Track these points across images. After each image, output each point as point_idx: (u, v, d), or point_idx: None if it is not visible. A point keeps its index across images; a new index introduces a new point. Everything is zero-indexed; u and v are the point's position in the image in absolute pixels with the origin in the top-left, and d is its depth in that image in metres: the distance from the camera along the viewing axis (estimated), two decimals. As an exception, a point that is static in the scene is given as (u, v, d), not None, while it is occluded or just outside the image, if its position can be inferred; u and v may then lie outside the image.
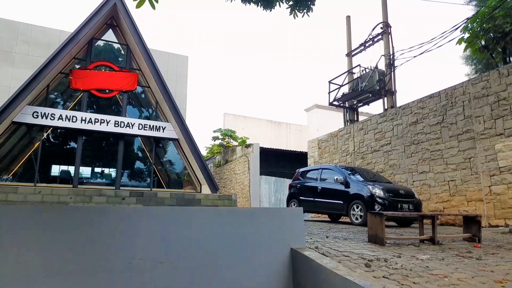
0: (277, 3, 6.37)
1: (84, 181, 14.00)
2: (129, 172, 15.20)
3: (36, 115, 12.55)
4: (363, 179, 8.53)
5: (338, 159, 13.20)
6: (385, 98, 13.49)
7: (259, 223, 3.42)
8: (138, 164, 15.84)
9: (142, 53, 13.67)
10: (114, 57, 15.15)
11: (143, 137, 14.89)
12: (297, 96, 75.75)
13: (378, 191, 7.73)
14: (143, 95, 15.71)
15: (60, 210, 3.23)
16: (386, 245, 4.20)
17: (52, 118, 12.77)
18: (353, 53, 15.51)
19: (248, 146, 16.76)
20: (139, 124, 14.44)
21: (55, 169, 14.40)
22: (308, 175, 9.91)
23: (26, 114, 12.34)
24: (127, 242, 3.21)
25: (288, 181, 17.27)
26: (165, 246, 3.39)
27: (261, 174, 16.58)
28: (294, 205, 9.78)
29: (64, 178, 13.77)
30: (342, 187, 8.43)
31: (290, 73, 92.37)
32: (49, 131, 13.43)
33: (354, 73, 15.18)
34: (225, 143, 18.55)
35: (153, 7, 2.89)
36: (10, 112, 11.61)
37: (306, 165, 15.00)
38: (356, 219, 7.90)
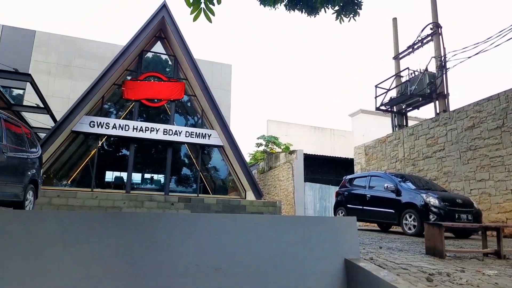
0: (322, 9, 6.30)
1: (135, 186, 14.66)
2: (176, 178, 15.71)
3: (92, 125, 13.40)
4: (415, 187, 8.12)
5: (386, 165, 12.72)
6: (437, 102, 12.82)
7: (312, 232, 3.36)
8: (185, 171, 16.33)
9: (188, 63, 14.14)
10: (162, 67, 15.84)
11: (189, 144, 15.35)
12: (341, 102, 74.32)
13: (432, 200, 7.32)
14: (189, 104, 16.22)
15: (119, 216, 3.38)
16: (446, 258, 3.95)
17: (107, 127, 13.57)
18: (400, 56, 14.95)
19: (292, 152, 16.66)
20: (186, 131, 14.91)
21: (109, 175, 15.25)
22: (356, 182, 9.63)
23: (84, 124, 13.22)
24: (183, 248, 3.29)
25: (333, 188, 16.92)
26: (219, 253, 3.42)
27: (305, 180, 16.39)
28: (341, 213, 9.53)
29: (118, 184, 14.53)
30: (393, 195, 8.09)
31: (333, 78, 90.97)
32: (104, 139, 14.28)
33: (402, 76, 14.61)
34: (268, 150, 18.59)
35: (209, 20, 2.96)
36: (69, 122, 12.49)
37: (352, 172, 14.61)
38: (409, 229, 7.53)
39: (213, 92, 14.80)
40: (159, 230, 3.12)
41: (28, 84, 12.54)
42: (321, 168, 18.83)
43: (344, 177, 10.41)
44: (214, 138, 15.35)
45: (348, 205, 9.34)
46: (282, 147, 18.07)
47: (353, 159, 15.64)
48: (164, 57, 15.91)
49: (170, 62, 15.87)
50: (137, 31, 13.70)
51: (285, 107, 72.44)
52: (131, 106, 14.54)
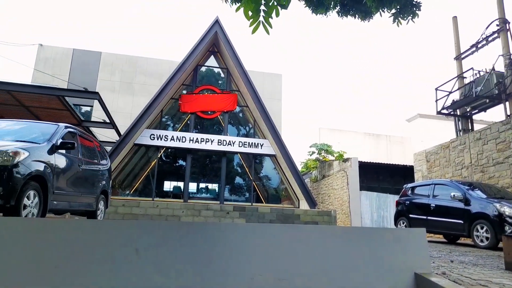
0: (378, 13, 6.12)
1: (192, 195, 15.19)
2: (230, 187, 16.04)
3: (152, 137, 14.18)
4: (486, 196, 7.50)
5: (451, 173, 11.90)
6: (507, 103, 11.78)
7: (378, 244, 3.24)
8: (238, 180, 16.61)
9: (240, 75, 14.48)
10: (215, 80, 16.39)
11: (242, 154, 15.63)
12: (397, 107, 71.22)
13: (508, 210, 6.70)
14: (241, 114, 16.56)
15: (187, 225, 3.51)
16: (530, 275, 3.58)
17: (166, 139, 14.28)
18: (462, 56, 14.01)
19: (346, 160, 16.24)
20: (239, 141, 15.21)
21: (167, 185, 15.99)
22: (418, 191, 9.12)
23: (145, 137, 14.03)
24: (248, 258, 3.33)
25: (391, 197, 16.15)
26: (282, 264, 3.42)
27: (361, 189, 15.86)
28: (403, 223, 9.06)
29: (176, 193, 15.17)
30: (460, 205, 7.53)
31: (387, 82, 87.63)
32: (163, 150, 15.03)
33: (465, 77, 13.67)
34: (321, 158, 18.30)
35: (268, 32, 3.02)
36: (132, 135, 13.33)
37: (411, 180, 13.87)
38: (481, 241, 6.94)
39: (265, 102, 14.98)
40: (225, 240, 3.20)
41: (96, 101, 13.65)
42: (377, 176, 18.10)
43: (405, 185, 9.90)
44: (267, 147, 15.47)
45: (411, 215, 8.86)
46: (335, 155, 17.69)
47: (412, 166, 14.85)
48: (216, 70, 16.46)
49: (222, 75, 16.37)
50: (192, 47, 14.33)
51: (338, 114, 70.99)
52: (187, 118, 15.18)
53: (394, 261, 3.19)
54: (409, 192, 9.40)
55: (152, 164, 14.61)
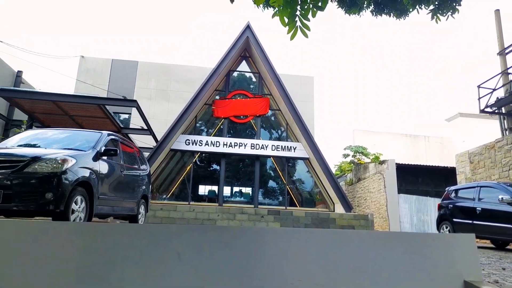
0: (415, 9, 5.92)
1: (226, 199, 15.36)
2: (263, 190, 16.07)
3: (188, 142, 14.51)
4: (538, 199, 7.01)
5: (497, 174, 11.24)
6: (558, 99, 11.00)
7: (423, 250, 3.12)
8: (271, 183, 16.61)
9: (272, 79, 14.51)
10: (247, 85, 16.54)
11: (275, 157, 15.62)
12: (435, 106, 68.46)
13: None
14: (273, 118, 16.58)
15: (227, 230, 3.54)
16: None
17: (200, 144, 14.57)
18: (506, 51, 13.24)
19: (382, 162, 15.79)
20: (272, 145, 15.23)
21: (202, 189, 16.28)
22: (462, 194, 8.68)
23: (180, 142, 14.39)
24: (287, 263, 3.31)
25: (432, 200, 15.49)
26: (321, 269, 3.37)
27: (399, 192, 15.34)
28: (446, 228, 8.66)
29: (211, 197, 15.41)
30: (510, 208, 7.09)
31: (424, 81, 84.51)
32: (198, 155, 15.33)
33: (510, 73, 12.91)
34: (356, 160, 17.90)
35: (306, 36, 3.01)
36: (168, 141, 13.71)
37: (453, 182, 13.23)
38: (534, 247, 6.50)
39: (297, 105, 14.91)
40: (264, 244, 3.21)
41: (133, 108, 14.17)
42: (416, 179, 17.44)
43: (447, 188, 9.47)
44: (300, 150, 15.38)
45: (454, 219, 8.45)
46: (371, 157, 17.24)
47: (454, 168, 14.19)
48: (248, 74, 16.61)
49: (254, 79, 16.48)
50: (224, 53, 14.56)
51: (373, 116, 69.27)
52: (220, 123, 15.41)
53: (442, 268, 3.06)
54: (452, 195, 8.98)
55: (188, 168, 14.93)
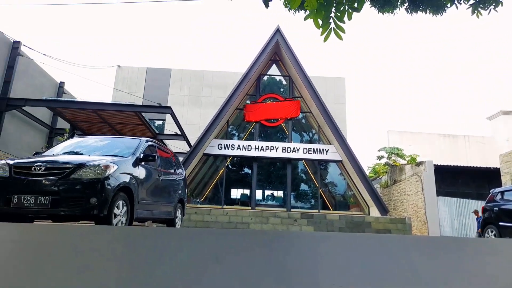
0: (453, 5, 5.70)
1: (257, 203, 15.41)
2: (295, 194, 15.97)
3: (220, 147, 14.72)
4: None
5: (547, 175, 10.55)
6: None
7: (472, 256, 2.98)
8: (303, 186, 16.48)
9: (303, 81, 14.45)
10: (277, 88, 16.56)
11: (307, 160, 15.49)
12: (474, 105, 65.34)
13: None
14: (304, 121, 16.48)
15: (266, 234, 3.55)
16: None
17: (232, 148, 14.73)
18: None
19: (419, 164, 15.24)
20: (303, 148, 15.14)
21: (234, 193, 16.43)
22: (508, 196, 8.20)
23: (213, 147, 14.62)
24: (327, 267, 3.27)
25: (474, 203, 14.74)
26: (363, 275, 3.30)
27: (438, 194, 14.73)
28: (491, 232, 8.22)
29: (243, 200, 15.52)
30: (562, 212, 6.63)
31: (460, 80, 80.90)
32: (230, 159, 15.50)
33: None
34: (391, 162, 17.39)
35: (340, 38, 2.99)
36: (201, 146, 13.97)
37: (498, 184, 12.53)
38: None
39: (328, 106, 14.75)
40: (302, 249, 3.19)
41: (167, 115, 14.57)
42: (456, 180, 16.67)
43: (492, 190, 8.98)
44: (332, 153, 15.17)
45: (500, 223, 8.00)
46: (407, 159, 16.69)
47: (497, 168, 13.45)
48: (279, 78, 16.62)
49: (285, 82, 16.48)
50: (254, 57, 14.67)
51: (408, 116, 67.15)
52: (251, 127, 15.51)
53: (493, 275, 2.91)
54: (498, 197, 8.51)
55: (220, 172, 15.13)
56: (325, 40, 3.05)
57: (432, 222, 14.20)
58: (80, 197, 4.32)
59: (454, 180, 16.61)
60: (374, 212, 14.16)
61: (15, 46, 12.03)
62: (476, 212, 13.27)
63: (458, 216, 14.59)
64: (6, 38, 11.81)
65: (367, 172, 17.73)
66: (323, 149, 15.22)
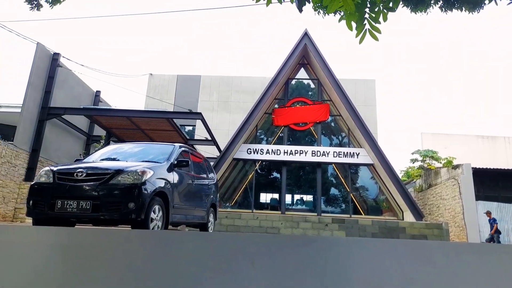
0: (492, 1, 5.47)
1: (287, 207, 15.32)
2: (325, 198, 15.75)
3: (249, 151, 14.80)
4: None
5: None
6: None
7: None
8: (333, 191, 16.24)
9: (332, 84, 14.30)
10: (305, 92, 16.47)
11: (338, 164, 15.27)
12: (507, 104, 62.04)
13: None
14: (333, 124, 16.27)
15: (301, 238, 3.53)
16: None
17: (261, 153, 14.77)
18: None
19: (456, 167, 14.64)
20: (333, 151, 14.94)
21: (263, 197, 16.43)
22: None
23: (242, 151, 14.73)
24: (367, 273, 3.20)
25: (517, 208, 13.97)
26: (402, 282, 3.20)
27: (477, 199, 14.07)
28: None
29: (273, 205, 15.50)
30: None
31: (496, 79, 77.13)
32: (259, 164, 15.54)
33: None
34: (426, 166, 16.81)
35: (376, 39, 2.95)
36: (231, 150, 14.10)
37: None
38: None
39: (358, 109, 14.50)
40: (339, 255, 3.15)
41: (197, 120, 14.82)
42: (496, 184, 15.86)
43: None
44: (363, 156, 14.88)
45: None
46: (442, 162, 16.08)
47: (543, 171, 12.69)
48: (306, 81, 16.54)
49: (313, 86, 16.36)
50: (282, 61, 14.69)
51: (442, 118, 64.74)
52: (280, 131, 15.50)
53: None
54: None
55: (250, 177, 15.20)
56: (360, 42, 3.02)
57: (471, 228, 13.58)
58: (119, 202, 4.47)
59: (494, 184, 15.82)
60: (409, 217, 13.72)
61: (55, 57, 12.68)
62: (488, 213, 12.82)
63: (500, 221, 13.87)
64: (47, 50, 12.48)
65: (399, 175, 17.24)
66: (353, 153, 14.95)
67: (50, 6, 7.44)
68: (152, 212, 4.74)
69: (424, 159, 16.67)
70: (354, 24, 3.09)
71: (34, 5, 7.22)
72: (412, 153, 17.15)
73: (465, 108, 67.03)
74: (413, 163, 17.36)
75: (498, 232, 12.50)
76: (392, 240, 3.80)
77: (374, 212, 15.72)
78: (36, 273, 1.60)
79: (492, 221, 12.68)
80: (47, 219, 4.61)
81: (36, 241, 2.80)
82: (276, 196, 15.95)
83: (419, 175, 17.65)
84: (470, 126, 56.83)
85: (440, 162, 16.26)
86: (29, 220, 10.34)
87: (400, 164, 25.66)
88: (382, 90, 69.12)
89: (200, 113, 12.48)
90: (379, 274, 3.35)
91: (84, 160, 5.78)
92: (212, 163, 14.14)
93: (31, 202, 4.63)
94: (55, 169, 4.80)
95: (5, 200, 10.69)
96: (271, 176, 16.46)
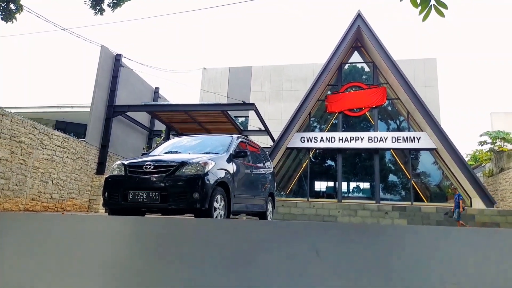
0: None
1: (343, 195, 15.04)
2: (383, 185, 15.20)
3: (303, 140, 14.71)
4: None
5: None
6: None
7: None
8: (392, 177, 15.61)
9: (388, 66, 13.65)
10: (359, 76, 15.88)
11: (397, 149, 14.63)
12: None
13: None
14: (390, 108, 15.56)
15: (368, 227, 3.49)
16: None
17: (315, 141, 14.61)
18: None
19: (533, 149, 13.31)
20: (392, 137, 14.34)
21: (318, 185, 16.27)
22: None
23: (296, 140, 14.68)
24: (439, 265, 3.09)
25: None
26: (478, 274, 3.04)
27: (559, 184, 12.72)
28: None
29: (329, 193, 15.32)
30: None
31: None
32: (313, 152, 15.39)
33: None
34: (497, 148, 15.47)
35: (442, 15, 2.78)
36: (284, 139, 14.12)
37: None
38: None
39: (418, 91, 13.71)
40: (408, 244, 3.07)
41: (250, 111, 15.00)
42: None
43: None
44: (425, 140, 14.09)
45: None
46: (516, 144, 14.70)
47: None
48: (360, 65, 15.93)
49: (367, 69, 15.73)
50: (334, 46, 14.28)
51: (509, 96, 58.88)
52: (333, 118, 15.17)
53: None
54: None
55: (304, 165, 15.13)
56: (424, 19, 2.87)
57: (552, 215, 12.32)
58: (184, 192, 4.72)
59: None
60: (478, 203, 12.82)
61: (117, 58, 13.54)
62: (454, 188, 12.32)
63: None
64: (110, 52, 13.36)
65: (466, 159, 16.09)
66: (414, 137, 14.22)
67: (112, 10, 7.93)
68: (215, 202, 4.94)
69: (495, 141, 15.35)
70: (418, 0, 2.95)
71: (97, 10, 7.77)
72: (481, 135, 15.86)
73: (542, 83, 60.10)
74: (481, 145, 16.08)
75: (458, 207, 11.18)
76: (471, 229, 3.60)
77: (438, 198, 14.88)
78: (114, 259, 1.78)
79: (457, 197, 11.40)
80: (121, 209, 5.01)
81: (117, 230, 3.07)
82: (331, 184, 15.73)
83: (489, 159, 16.31)
84: (548, 102, 50.91)
85: (514, 144, 14.89)
86: (102, 210, 11.31)
87: (466, 147, 23.90)
88: (444, 69, 64.36)
89: (253, 104, 12.63)
90: (451, 264, 3.20)
91: (149, 154, 6.15)
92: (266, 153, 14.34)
93: (106, 194, 5.03)
94: (126, 163, 5.17)
95: (81, 193, 11.77)
96: (326, 164, 16.24)
